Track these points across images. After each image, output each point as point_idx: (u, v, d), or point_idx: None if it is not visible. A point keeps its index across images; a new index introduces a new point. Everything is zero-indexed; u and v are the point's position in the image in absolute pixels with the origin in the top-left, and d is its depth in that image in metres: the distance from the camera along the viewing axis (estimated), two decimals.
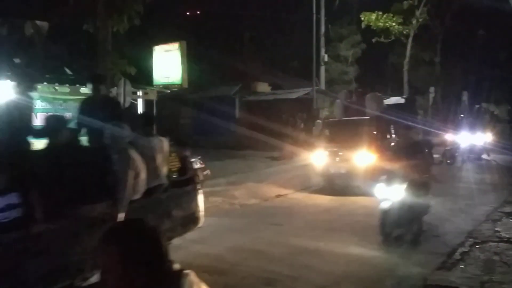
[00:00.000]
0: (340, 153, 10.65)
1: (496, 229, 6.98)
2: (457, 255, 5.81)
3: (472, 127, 16.90)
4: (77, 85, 9.35)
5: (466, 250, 6.02)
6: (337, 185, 10.75)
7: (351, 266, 5.55)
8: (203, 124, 13.88)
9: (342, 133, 11.15)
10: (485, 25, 27.65)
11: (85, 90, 9.50)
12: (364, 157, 10.19)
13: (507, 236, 6.56)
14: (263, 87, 24.46)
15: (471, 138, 16.31)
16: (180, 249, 5.23)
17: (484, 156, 16.70)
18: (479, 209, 8.43)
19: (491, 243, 6.27)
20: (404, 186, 6.40)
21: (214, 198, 9.00)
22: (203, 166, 9.15)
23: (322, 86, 21.82)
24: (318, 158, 11.17)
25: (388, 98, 17.52)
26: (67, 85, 9.19)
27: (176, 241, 5.01)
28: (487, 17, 26.10)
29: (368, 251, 6.05)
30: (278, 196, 10.20)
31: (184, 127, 18.83)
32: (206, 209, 5.77)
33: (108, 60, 8.49)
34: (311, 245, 6.30)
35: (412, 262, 5.62)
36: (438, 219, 7.86)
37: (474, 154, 16.21)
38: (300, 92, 21.32)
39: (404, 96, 14.04)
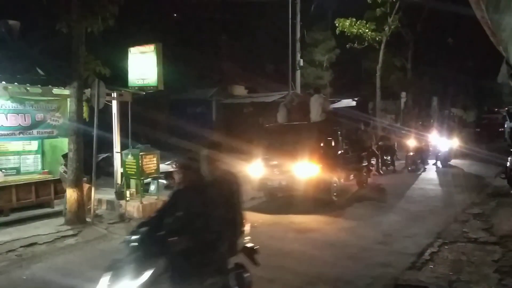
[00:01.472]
0: (279, 163, 9.38)
1: (464, 230, 7.22)
2: (426, 256, 5.99)
3: (439, 132, 16.58)
4: (50, 86, 9.14)
5: (436, 250, 6.21)
6: (278, 199, 9.86)
7: (324, 267, 5.64)
8: (179, 126, 13.73)
9: (282, 140, 9.86)
10: (454, 32, 28.59)
11: (58, 91, 9.35)
12: (305, 168, 9.04)
13: (474, 236, 6.80)
14: (240, 90, 24.52)
15: (437, 143, 15.99)
16: None
17: (451, 162, 16.04)
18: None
19: (459, 244, 6.49)
20: None
21: None
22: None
23: (298, 90, 22.01)
24: (255, 169, 9.68)
25: (339, 100, 17.30)
26: (39, 85, 8.96)
27: None
28: (456, 25, 27.02)
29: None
30: None
31: (160, 130, 18.66)
32: None
33: (82, 61, 8.34)
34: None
35: (383, 262, 5.76)
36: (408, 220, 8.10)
37: (440, 160, 15.75)
38: (276, 96, 21.47)
39: (356, 99, 12.81)
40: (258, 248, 3.43)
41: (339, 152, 10.44)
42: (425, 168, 14.98)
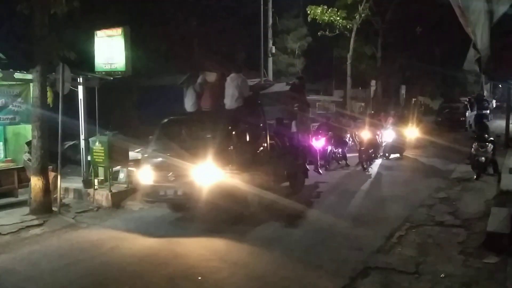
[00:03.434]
0: (174, 165, 6.93)
1: (430, 213, 7.43)
2: (394, 239, 6.12)
3: (392, 122, 15.21)
4: (11, 70, 8.73)
5: (403, 233, 6.36)
6: (174, 214, 7.92)
7: (296, 252, 5.68)
8: (149, 113, 13.45)
9: (181, 134, 7.80)
10: (423, 22, 29.13)
11: (20, 75, 8.95)
12: (208, 171, 6.81)
13: (440, 220, 7.00)
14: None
15: (388, 134, 14.59)
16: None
17: (404, 153, 14.66)
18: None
19: (426, 227, 6.67)
20: None
21: None
22: None
23: (270, 77, 21.97)
24: (144, 173, 7.36)
25: (272, 84, 13.69)
26: (0, 69, 8.55)
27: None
28: (425, 14, 27.54)
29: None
30: None
31: (129, 117, 18.24)
32: None
33: (45, 44, 7.99)
34: None
35: (352, 246, 5.85)
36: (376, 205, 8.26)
37: (387, 152, 14.41)
38: (249, 83, 21.36)
39: (291, 82, 10.74)
40: None
41: (262, 148, 8.14)
42: (371, 163, 12.96)
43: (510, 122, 14.59)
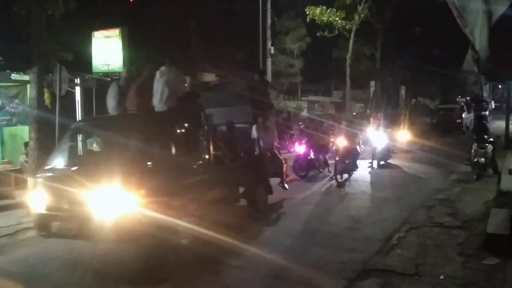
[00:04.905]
0: (70, 189, 5.10)
1: (429, 215, 7.39)
2: (394, 240, 6.08)
3: (380, 125, 13.29)
4: (7, 71, 8.72)
5: (403, 235, 6.31)
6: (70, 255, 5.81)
7: (295, 254, 5.65)
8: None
9: (89, 145, 6.66)
10: (422, 22, 29.14)
11: (17, 76, 8.92)
12: (113, 198, 4.97)
13: (440, 221, 6.96)
14: (210, 78, 24.21)
15: (375, 139, 12.84)
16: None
17: (389, 160, 13.08)
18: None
19: (425, 228, 6.63)
20: None
21: None
22: None
23: (269, 78, 21.96)
24: (36, 196, 5.62)
25: (229, 82, 10.78)
26: None
27: None
28: (424, 15, 27.57)
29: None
30: None
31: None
32: None
33: (42, 45, 7.96)
34: None
35: (352, 248, 5.82)
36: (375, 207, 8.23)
37: (376, 159, 12.66)
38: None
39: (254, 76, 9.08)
40: None
41: (201, 162, 6.29)
42: (350, 175, 10.87)
43: (510, 123, 14.56)
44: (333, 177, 10.44)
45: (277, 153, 9.12)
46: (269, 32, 20.87)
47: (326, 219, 7.48)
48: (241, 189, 7.59)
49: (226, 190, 7.00)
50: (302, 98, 33.14)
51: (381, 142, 12.69)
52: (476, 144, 10.07)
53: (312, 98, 34.34)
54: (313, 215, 7.78)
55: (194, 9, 25.15)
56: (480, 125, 11.24)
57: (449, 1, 3.65)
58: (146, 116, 6.26)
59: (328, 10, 21.93)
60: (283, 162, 9.16)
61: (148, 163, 5.40)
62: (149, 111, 6.46)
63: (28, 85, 8.47)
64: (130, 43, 9.75)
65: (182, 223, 5.53)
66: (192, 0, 24.54)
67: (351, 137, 11.54)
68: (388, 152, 13.02)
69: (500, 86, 35.35)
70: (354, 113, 21.14)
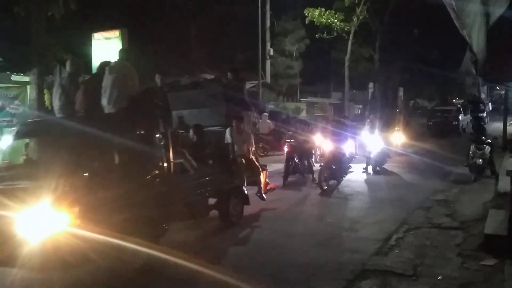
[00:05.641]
0: None
1: (428, 216, 7.42)
2: (392, 241, 6.10)
3: (373, 127, 12.60)
4: (8, 72, 8.74)
5: (401, 236, 6.34)
6: None
7: (294, 254, 5.67)
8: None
9: (25, 154, 6.00)
10: (420, 24, 29.21)
11: (17, 77, 8.94)
12: (40, 218, 4.19)
13: (438, 222, 6.99)
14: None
15: (369, 143, 12.13)
16: None
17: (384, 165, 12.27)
18: None
19: (423, 229, 6.66)
20: None
21: None
22: None
23: (268, 79, 22.03)
24: None
25: (200, 80, 10.05)
26: None
27: None
28: (422, 17, 27.63)
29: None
30: None
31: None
32: None
33: (42, 47, 7.99)
34: None
35: (351, 248, 5.84)
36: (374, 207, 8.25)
37: (371, 164, 11.91)
38: (246, 86, 21.39)
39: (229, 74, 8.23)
40: None
41: (157, 172, 5.45)
42: (339, 181, 10.15)
43: (508, 124, 14.62)
44: (317, 184, 9.58)
45: (254, 158, 8.10)
46: (268, 34, 20.97)
47: (307, 232, 6.59)
48: (213, 200, 6.80)
49: (190, 202, 6.17)
50: (301, 99, 33.19)
51: (376, 146, 11.90)
52: (474, 146, 10.12)
53: (311, 99, 34.38)
54: (293, 229, 6.79)
55: (194, 11, 25.21)
56: (478, 126, 11.28)
57: (447, 3, 3.69)
58: (86, 119, 5.33)
59: (327, 12, 22.04)
60: (260, 168, 8.12)
61: (85, 175, 4.61)
62: (92, 114, 5.59)
63: (28, 86, 8.50)
64: (130, 44, 9.77)
65: (132, 245, 4.57)
66: (192, 2, 24.61)
67: (339, 141, 10.45)
68: (384, 157, 12.26)
69: (497, 88, 35.42)
70: (346, 114, 20.71)
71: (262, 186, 8.09)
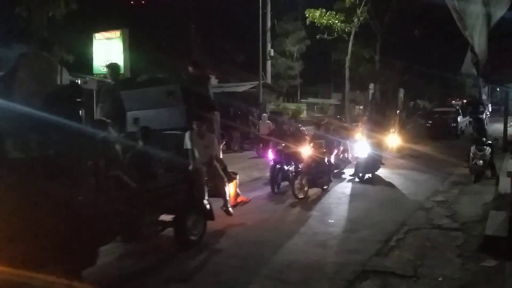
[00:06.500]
0: None
1: (428, 216, 7.42)
2: (392, 242, 6.09)
3: (374, 127, 11.74)
4: None
5: (401, 237, 6.34)
6: None
7: (293, 255, 5.66)
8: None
9: None
10: (421, 25, 29.25)
11: None
12: None
13: (438, 223, 6.99)
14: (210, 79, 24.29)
15: (358, 147, 10.92)
16: None
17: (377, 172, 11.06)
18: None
19: (424, 230, 6.66)
20: None
21: None
22: None
23: (268, 80, 22.04)
24: None
25: (158, 78, 7.94)
26: None
27: None
28: (423, 18, 27.68)
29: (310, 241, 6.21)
30: None
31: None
32: None
33: (44, 47, 7.99)
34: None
35: (351, 249, 5.84)
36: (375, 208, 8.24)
37: (359, 171, 10.67)
38: (247, 86, 21.41)
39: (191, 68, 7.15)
40: None
41: (80, 188, 4.34)
42: (326, 189, 9.52)
43: (508, 125, 14.62)
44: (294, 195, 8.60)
45: (219, 166, 6.81)
46: (269, 35, 20.99)
47: (278, 254, 5.62)
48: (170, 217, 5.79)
49: (131, 222, 5.06)
50: (301, 100, 33.21)
51: (365, 151, 10.65)
52: (474, 147, 10.12)
53: (311, 100, 34.41)
54: (260, 251, 5.72)
55: (195, 11, 25.24)
56: (479, 127, 11.28)
57: (449, 4, 3.69)
58: None
59: (328, 13, 22.07)
60: (226, 179, 6.87)
61: None
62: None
63: None
64: (131, 45, 9.79)
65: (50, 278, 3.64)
66: (193, 3, 24.64)
67: (321, 145, 9.63)
68: (374, 163, 10.86)
69: (498, 89, 35.44)
70: (338, 116, 20.38)
71: (229, 198, 6.90)
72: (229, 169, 7.41)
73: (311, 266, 5.31)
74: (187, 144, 6.25)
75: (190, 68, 7.07)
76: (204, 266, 5.35)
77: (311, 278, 4.98)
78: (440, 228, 6.71)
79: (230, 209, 6.89)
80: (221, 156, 7.24)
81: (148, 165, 5.51)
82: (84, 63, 10.36)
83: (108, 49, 9.74)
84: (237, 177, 7.59)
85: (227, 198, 6.86)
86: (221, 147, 7.57)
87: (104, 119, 5.64)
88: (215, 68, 24.47)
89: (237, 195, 7.58)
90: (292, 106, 29.58)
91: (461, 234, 6.36)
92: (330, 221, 7.40)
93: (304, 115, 27.93)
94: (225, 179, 6.86)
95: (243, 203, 7.78)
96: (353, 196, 9.37)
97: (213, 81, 24.31)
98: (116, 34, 9.71)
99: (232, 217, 6.96)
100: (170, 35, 23.61)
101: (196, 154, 6.22)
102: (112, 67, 6.78)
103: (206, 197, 6.23)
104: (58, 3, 7.82)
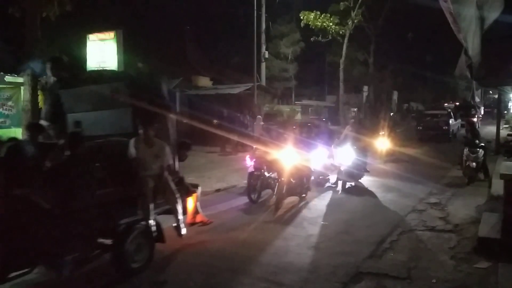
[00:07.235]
0: None
1: (421, 219, 7.44)
2: (386, 244, 6.11)
3: (361, 131, 11.00)
4: (1, 73, 8.69)
5: (395, 239, 6.35)
6: None
7: (288, 257, 5.65)
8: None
9: None
10: (415, 28, 29.47)
11: (11, 78, 8.88)
12: None
13: (432, 225, 7.01)
14: (205, 81, 24.29)
15: (347, 155, 9.89)
16: None
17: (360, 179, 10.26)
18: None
19: (417, 232, 6.68)
20: None
21: None
22: None
23: (263, 82, 22.05)
24: None
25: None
26: None
27: None
28: (416, 21, 27.87)
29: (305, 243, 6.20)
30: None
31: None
32: None
33: (37, 48, 7.94)
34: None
35: (345, 251, 5.84)
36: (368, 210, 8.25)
37: (342, 178, 9.91)
38: (242, 88, 21.43)
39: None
40: None
41: None
42: (304, 200, 8.67)
43: (501, 128, 14.74)
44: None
45: (170, 179, 5.61)
46: (263, 37, 21.00)
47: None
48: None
49: (46, 250, 4.17)
50: (295, 102, 33.26)
51: (348, 158, 9.88)
52: (467, 149, 10.18)
53: (305, 102, 34.46)
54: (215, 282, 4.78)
55: (189, 13, 25.23)
56: (471, 130, 11.35)
57: (444, 7, 3.72)
58: None
59: (322, 16, 22.15)
60: (178, 195, 5.62)
61: None
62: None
63: (22, 87, 8.45)
64: (125, 46, 9.75)
65: None
66: (187, 5, 24.62)
67: (305, 150, 8.94)
68: (358, 171, 10.09)
69: (491, 92, 35.74)
70: (324, 119, 19.93)
71: (181, 217, 5.67)
72: (220, 173, 7.10)
73: (305, 268, 5.31)
74: (132, 153, 5.29)
75: (139, 64, 5.92)
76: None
77: (306, 280, 4.98)
78: (433, 230, 6.74)
79: (183, 229, 5.64)
80: (177, 167, 6.04)
81: (70, 181, 4.37)
82: (78, 64, 10.31)
83: (102, 50, 9.69)
84: (198, 190, 6.50)
85: (179, 216, 5.60)
86: (183, 157, 6.35)
87: (41, 122, 5.14)
88: (209, 69, 24.46)
89: (196, 212, 6.55)
90: (286, 108, 29.61)
91: (454, 236, 6.39)
92: (323, 222, 7.40)
93: (298, 117, 27.95)
94: (177, 194, 5.58)
95: (202, 224, 6.65)
96: (335, 205, 8.44)
97: (208, 82, 24.30)
98: (110, 35, 9.67)
99: (191, 237, 5.92)
100: (165, 37, 23.57)
101: (145, 164, 5.30)
102: (54, 60, 5.83)
103: (153, 216, 5.18)
104: (52, 3, 7.78)
